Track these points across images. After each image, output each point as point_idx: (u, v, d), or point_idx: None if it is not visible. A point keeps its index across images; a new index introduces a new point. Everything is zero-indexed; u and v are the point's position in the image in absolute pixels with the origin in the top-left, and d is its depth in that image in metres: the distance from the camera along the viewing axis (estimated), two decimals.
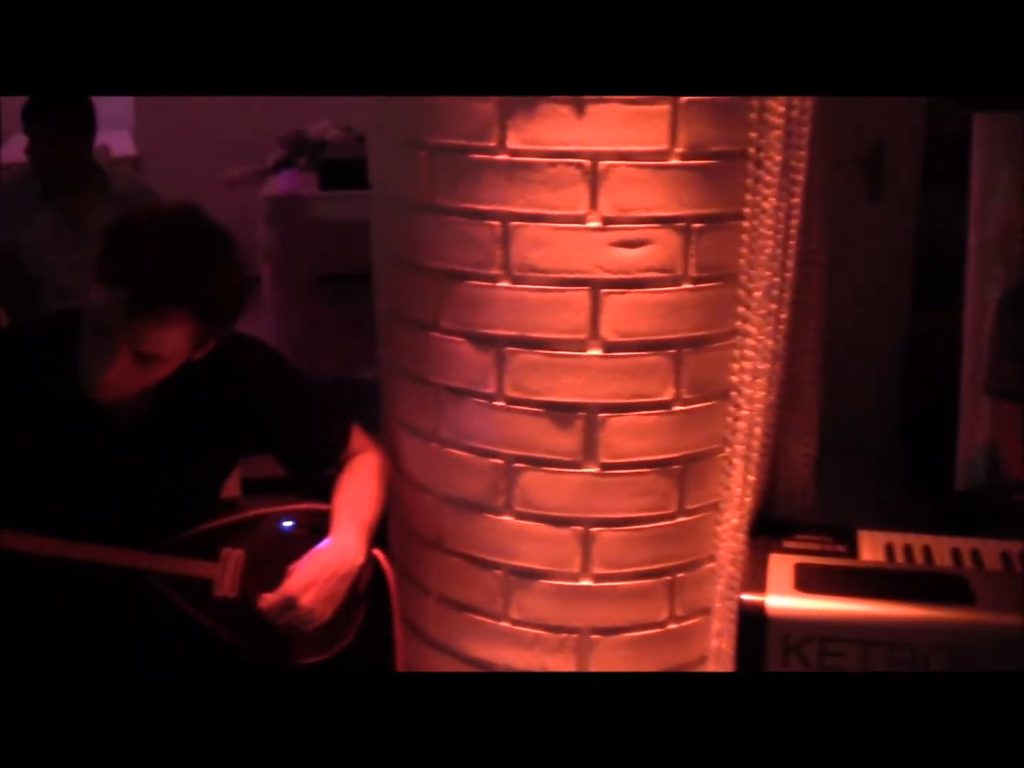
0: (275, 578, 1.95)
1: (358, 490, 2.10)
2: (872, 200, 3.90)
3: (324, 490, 2.18)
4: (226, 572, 2.01)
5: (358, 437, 2.19)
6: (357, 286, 5.59)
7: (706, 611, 2.22)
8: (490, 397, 2.06)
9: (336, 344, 4.57)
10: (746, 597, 1.96)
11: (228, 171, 5.35)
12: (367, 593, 2.12)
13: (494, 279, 2.00)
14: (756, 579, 2.01)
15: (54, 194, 3.73)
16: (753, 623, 1.93)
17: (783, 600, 1.95)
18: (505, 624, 2.19)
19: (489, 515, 2.14)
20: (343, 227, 4.99)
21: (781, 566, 2.05)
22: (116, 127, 5.55)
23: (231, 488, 2.29)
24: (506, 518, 2.12)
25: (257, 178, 5.33)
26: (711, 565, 2.20)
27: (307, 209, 4.70)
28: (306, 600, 1.90)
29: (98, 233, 3.52)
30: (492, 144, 1.94)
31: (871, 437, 3.86)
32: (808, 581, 2.00)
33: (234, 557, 2.02)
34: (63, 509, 1.95)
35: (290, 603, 1.91)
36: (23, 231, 3.70)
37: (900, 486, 3.67)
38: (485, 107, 1.93)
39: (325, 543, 1.99)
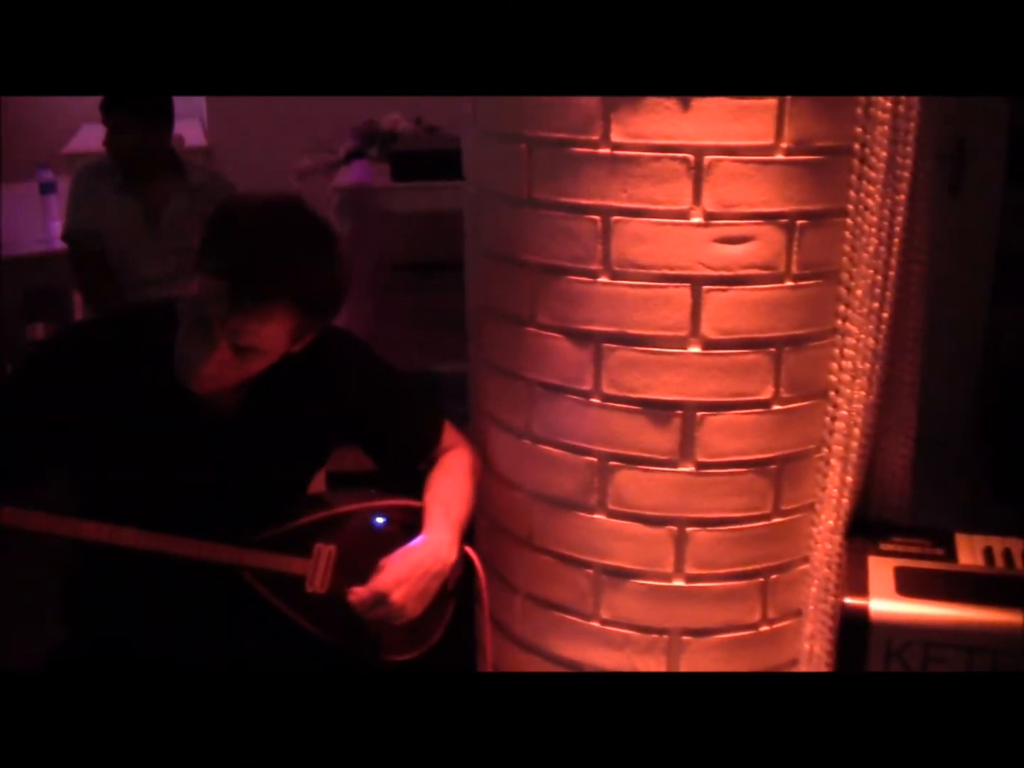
0: (366, 574, 1.94)
1: (450, 487, 2.08)
2: (953, 196, 3.84)
3: (408, 486, 2.16)
4: (318, 568, 2.00)
5: (450, 433, 2.18)
6: (428, 278, 5.63)
7: (798, 613, 2.19)
8: (586, 394, 2.04)
9: (408, 336, 4.56)
10: (849, 600, 1.92)
11: (299, 161, 5.35)
12: (456, 591, 2.10)
13: (594, 274, 1.97)
14: (856, 582, 1.97)
15: (133, 183, 3.75)
16: (855, 627, 1.90)
17: (886, 604, 1.91)
18: (595, 624, 2.17)
19: (581, 513, 2.11)
20: (414, 218, 4.99)
21: (881, 569, 2.01)
22: (187, 117, 5.58)
23: (317, 483, 2.27)
24: (599, 516, 2.10)
25: (328, 169, 5.32)
26: (804, 567, 2.16)
27: (378, 200, 4.69)
28: (397, 597, 1.89)
29: (175, 224, 3.57)
30: (595, 138, 1.92)
31: (949, 436, 3.80)
32: (910, 585, 1.96)
33: (326, 553, 2.01)
34: (156, 502, 1.94)
35: (381, 599, 1.89)
36: (103, 218, 3.73)
37: (980, 487, 3.61)
38: (589, 101, 1.90)
39: (418, 540, 1.97)
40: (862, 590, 1.94)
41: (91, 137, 6.59)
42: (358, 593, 1.91)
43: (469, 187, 2.25)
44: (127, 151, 3.68)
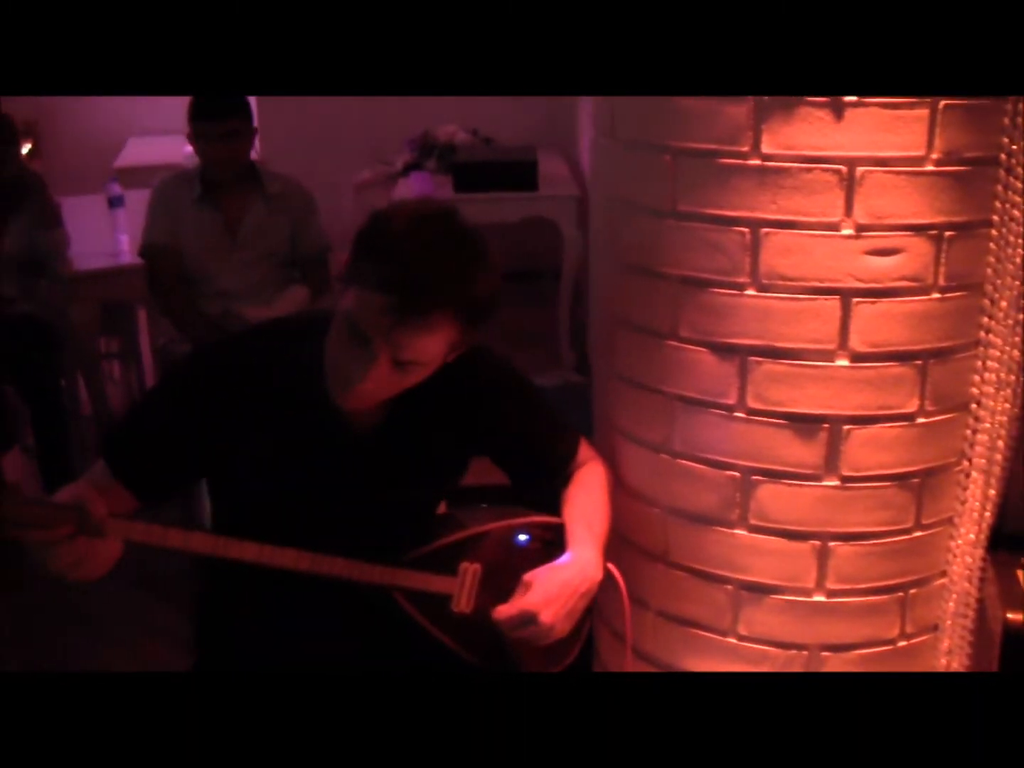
0: (509, 592, 1.91)
1: (590, 503, 2.06)
2: None
3: (531, 500, 2.14)
4: (464, 587, 1.98)
5: (583, 447, 2.15)
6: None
7: (935, 628, 2.17)
8: (730, 408, 2.01)
9: None
10: (1011, 616, 1.89)
11: (359, 174, 5.35)
12: (594, 606, 2.08)
13: (740, 287, 1.95)
14: (1011, 597, 1.95)
15: (211, 196, 3.75)
16: (1018, 642, 1.87)
17: None
18: (731, 640, 2.14)
19: (721, 528, 2.09)
20: (479, 229, 4.96)
21: None
22: None
23: None
24: (739, 531, 2.07)
25: (386, 181, 5.33)
26: (942, 581, 2.14)
27: None
28: (546, 617, 1.85)
29: (253, 234, 3.56)
30: (744, 149, 1.89)
31: None
32: None
33: (471, 571, 1.98)
34: (297, 517, 1.93)
35: (529, 618, 1.86)
36: (182, 233, 3.72)
37: None
38: (739, 110, 1.88)
39: (565, 558, 1.94)
40: (1021, 604, 1.91)
41: (139, 151, 6.64)
42: (505, 611, 1.88)
43: (600, 198, 2.22)
44: (215, 161, 3.68)
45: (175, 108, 6.86)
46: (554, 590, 1.88)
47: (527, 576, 1.91)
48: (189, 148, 5.05)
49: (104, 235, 4.52)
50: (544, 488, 2.13)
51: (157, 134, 7.07)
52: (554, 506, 2.10)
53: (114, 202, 4.44)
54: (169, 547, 1.78)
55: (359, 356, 1.77)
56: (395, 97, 5.95)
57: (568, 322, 5.14)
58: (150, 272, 3.85)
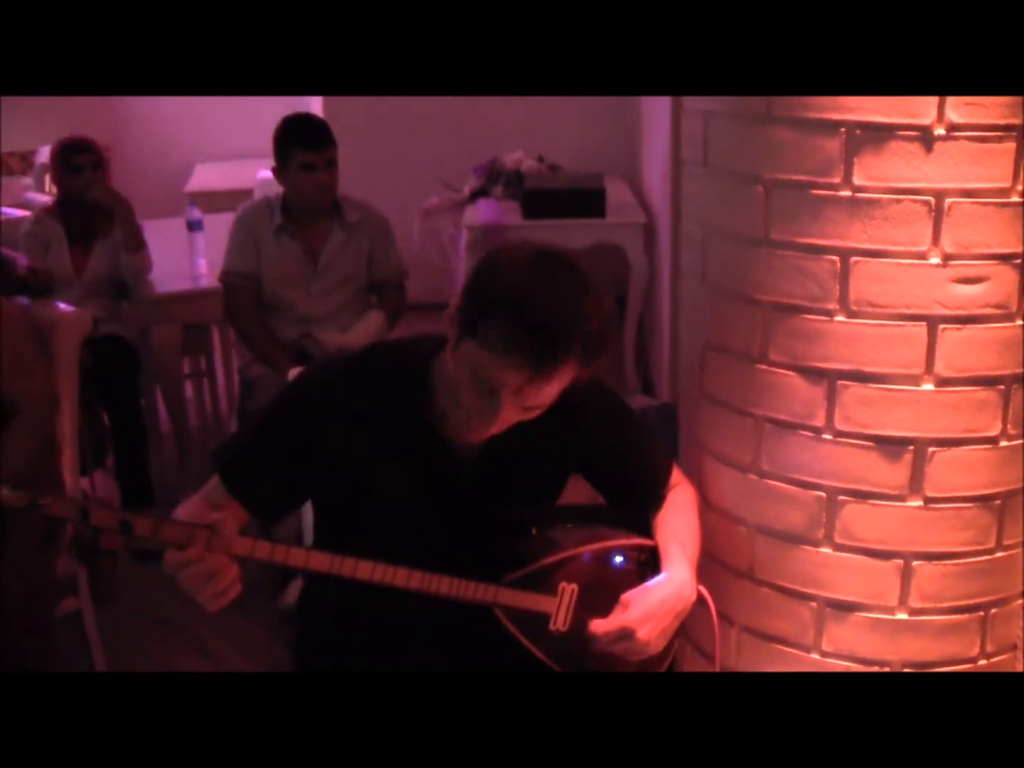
0: (603, 611, 1.98)
1: (682, 524, 2.12)
2: None
3: (620, 520, 2.20)
4: (562, 606, 2.04)
5: (674, 470, 2.22)
6: None
7: (1014, 647, 2.21)
8: (818, 430, 2.08)
9: None
10: None
11: (427, 200, 5.44)
12: (682, 627, 2.14)
13: (830, 313, 2.02)
14: None
15: (293, 224, 3.83)
16: None
17: None
18: (814, 656, 2.20)
19: (807, 547, 2.15)
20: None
21: None
22: None
23: None
24: (825, 550, 2.14)
25: (453, 207, 5.42)
26: (1021, 601, 2.19)
27: (510, 238, 4.74)
28: (643, 634, 1.92)
29: (332, 262, 3.64)
30: (836, 180, 1.97)
31: None
32: None
33: (569, 591, 2.04)
34: (403, 537, 2.01)
35: (627, 634, 1.92)
36: (263, 260, 3.81)
37: None
38: (831, 143, 1.95)
39: (661, 578, 2.01)
40: None
41: (209, 176, 6.78)
42: (603, 626, 1.95)
43: (692, 225, 2.30)
44: (312, 189, 3.77)
45: (240, 135, 7.07)
46: (651, 608, 1.95)
47: (625, 596, 1.98)
48: (262, 174, 5.21)
49: (181, 258, 4.63)
50: (639, 508, 2.19)
51: (222, 160, 7.23)
52: (639, 525, 2.16)
53: (193, 226, 4.55)
54: (290, 565, 1.87)
55: (485, 404, 1.83)
56: (463, 123, 6.07)
57: (633, 346, 5.21)
58: (227, 298, 3.94)
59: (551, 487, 2.15)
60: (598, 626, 1.95)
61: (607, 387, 2.14)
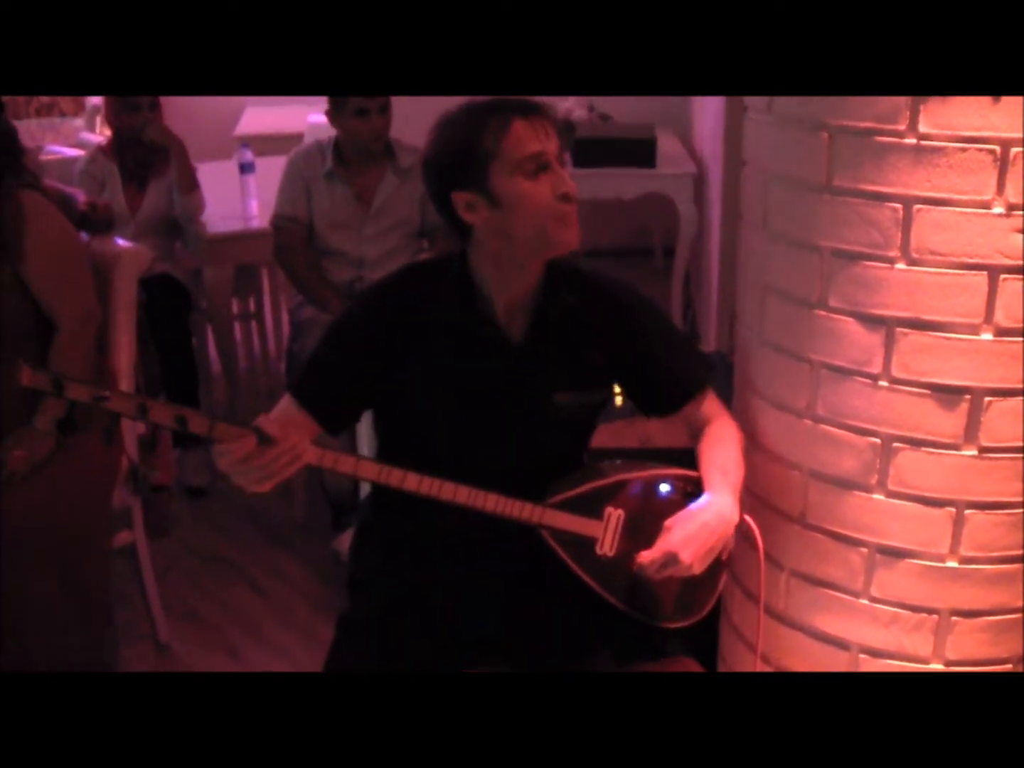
0: (650, 539, 2.03)
1: (725, 455, 2.17)
2: None
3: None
4: (608, 531, 2.09)
5: (713, 402, 2.26)
6: (612, 263, 5.68)
7: None
8: (875, 377, 2.09)
9: None
10: None
11: None
12: (729, 561, 2.17)
13: (891, 261, 2.03)
14: None
15: (345, 168, 3.85)
16: None
17: None
18: (863, 601, 2.22)
19: (859, 493, 2.17)
20: (595, 204, 5.07)
21: None
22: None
23: None
24: (877, 496, 2.15)
25: None
26: None
27: None
28: (686, 556, 1.97)
29: (386, 206, 3.69)
30: (901, 128, 1.97)
31: None
32: None
33: (616, 516, 2.10)
34: (461, 436, 2.13)
35: (672, 558, 1.98)
36: (315, 204, 3.84)
37: None
38: None
39: (702, 500, 2.07)
40: None
41: (258, 120, 6.78)
42: (648, 555, 2.01)
43: (752, 170, 2.31)
44: (366, 134, 3.79)
45: None
46: (693, 530, 2.01)
47: (667, 522, 2.03)
48: (313, 118, 5.22)
49: (232, 199, 4.66)
50: (670, 411, 2.27)
51: (272, 104, 7.22)
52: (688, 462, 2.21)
53: (245, 168, 4.57)
54: (339, 470, 1.98)
55: (550, 185, 1.99)
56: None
57: (681, 296, 5.22)
58: (278, 241, 3.96)
59: (597, 376, 2.20)
60: (644, 557, 2.01)
61: (645, 298, 2.25)
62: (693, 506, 2.06)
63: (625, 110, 5.84)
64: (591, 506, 2.11)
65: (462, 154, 1.99)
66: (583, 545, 2.10)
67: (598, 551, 2.10)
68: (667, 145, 5.31)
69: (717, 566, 2.11)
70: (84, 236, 3.11)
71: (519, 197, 1.98)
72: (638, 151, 4.97)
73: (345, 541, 3.42)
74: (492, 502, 2.03)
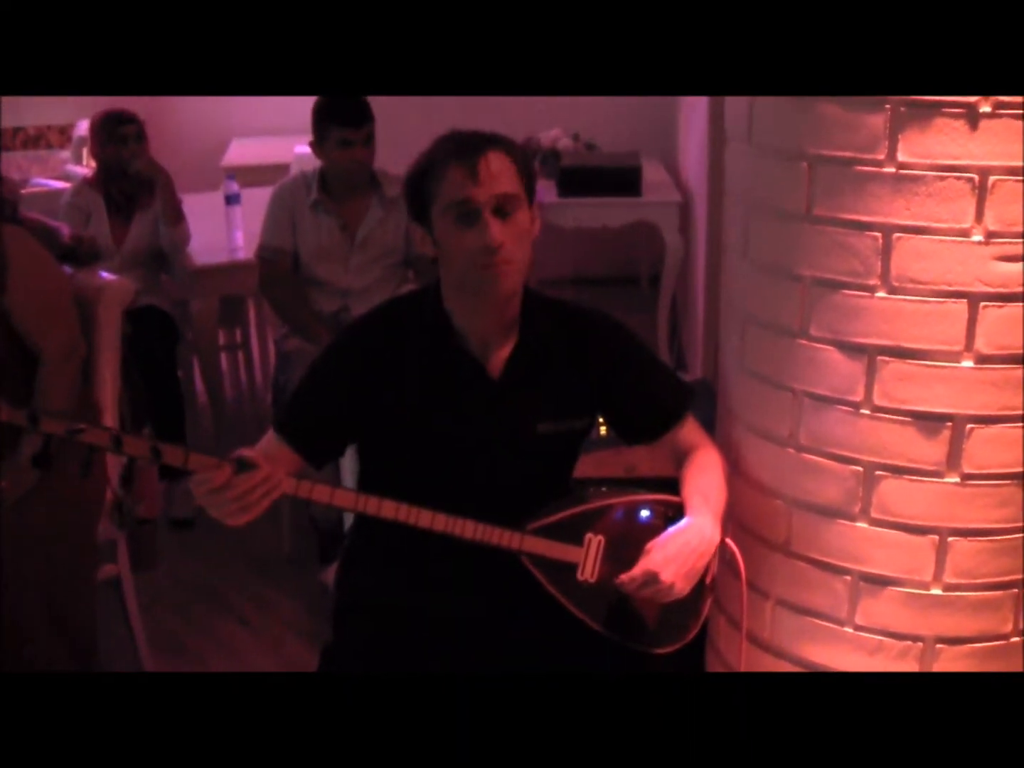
0: (630, 565, 2.03)
1: (706, 480, 2.18)
2: None
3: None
4: (588, 557, 2.10)
5: (696, 430, 2.27)
6: (596, 292, 5.69)
7: None
8: (857, 405, 2.10)
9: None
10: None
11: None
12: (713, 586, 2.17)
13: (871, 289, 2.04)
14: None
15: (330, 199, 3.85)
16: None
17: None
18: (848, 630, 2.22)
19: (843, 521, 2.17)
20: (580, 233, 5.08)
21: None
22: None
23: None
24: (861, 524, 2.16)
25: None
26: None
27: (546, 215, 4.77)
28: (667, 576, 1.98)
29: (370, 237, 3.69)
30: (880, 157, 1.98)
31: None
32: None
33: (596, 542, 2.11)
34: (442, 468, 2.14)
35: (652, 578, 1.98)
36: (300, 235, 3.84)
37: None
38: (876, 120, 1.96)
39: (683, 522, 2.08)
40: None
41: (245, 151, 6.81)
42: (629, 574, 2.01)
43: (733, 200, 2.32)
44: (349, 165, 3.79)
45: (275, 111, 7.07)
46: (673, 550, 2.01)
47: (648, 544, 2.04)
48: (299, 149, 5.24)
49: (218, 231, 4.66)
50: (650, 440, 2.28)
51: (258, 135, 7.26)
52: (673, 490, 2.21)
53: (231, 199, 4.58)
54: (315, 500, 1.99)
55: (478, 235, 1.98)
56: (499, 102, 6.07)
57: (667, 324, 5.23)
58: (263, 272, 3.96)
59: (578, 406, 2.21)
60: (624, 575, 2.01)
61: (628, 329, 2.25)
62: (673, 528, 2.07)
63: (610, 138, 5.86)
64: (572, 532, 2.12)
65: (414, 190, 2.06)
66: (564, 571, 2.10)
67: (579, 577, 2.11)
68: (653, 173, 5.33)
69: (701, 590, 2.11)
70: (68, 269, 3.11)
71: (445, 242, 2.03)
72: (624, 179, 4.98)
73: (332, 573, 3.42)
74: (471, 529, 2.04)
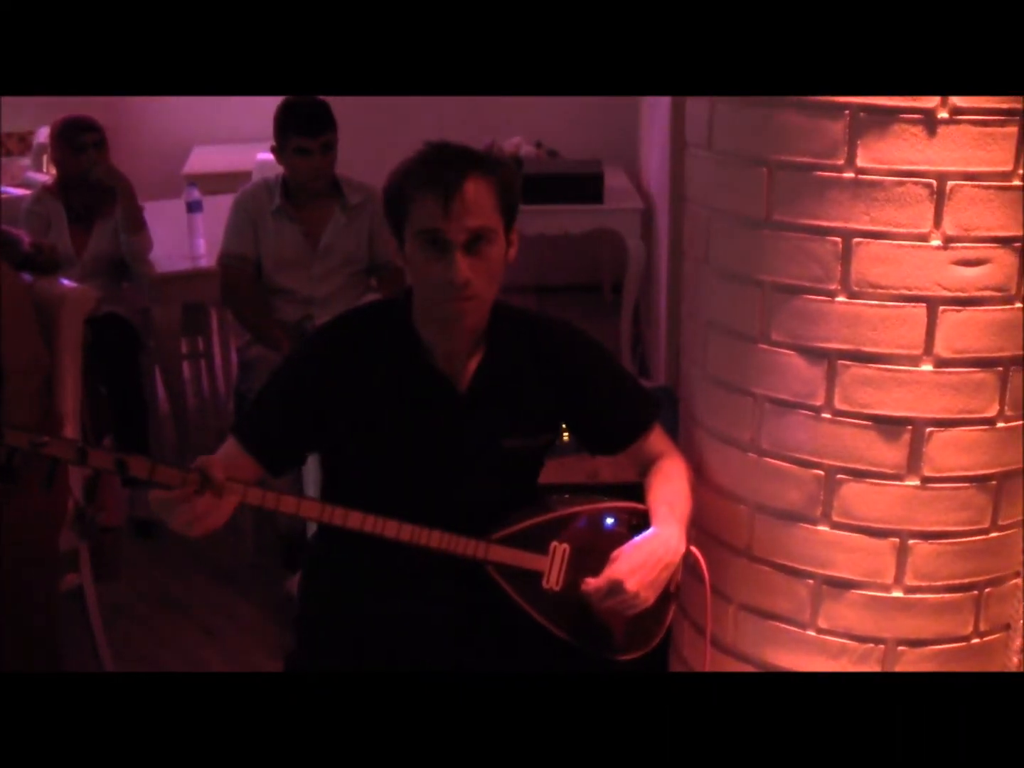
0: (595, 573, 2.04)
1: (672, 488, 2.18)
2: None
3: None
4: (553, 565, 2.10)
5: (661, 438, 2.27)
6: (557, 299, 5.69)
7: (1007, 627, 2.25)
8: (817, 409, 2.11)
9: None
10: None
11: None
12: (677, 593, 2.18)
13: (831, 294, 2.05)
14: None
15: (292, 207, 3.84)
16: None
17: None
18: (811, 633, 2.23)
19: (805, 525, 2.19)
20: (543, 241, 5.09)
21: None
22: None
23: None
24: (822, 528, 2.17)
25: None
26: (1016, 581, 2.22)
27: None
28: (632, 585, 1.98)
29: (333, 244, 3.68)
30: (839, 162, 1.99)
31: None
32: None
33: (561, 551, 2.11)
34: (406, 479, 2.12)
35: (616, 587, 1.98)
36: (263, 243, 3.82)
37: None
38: (835, 126, 1.98)
39: (649, 532, 2.08)
40: None
41: (206, 159, 6.78)
42: (593, 583, 2.02)
43: (694, 206, 2.33)
44: (309, 172, 3.78)
45: (237, 118, 7.04)
46: (639, 560, 2.02)
47: (614, 552, 2.04)
48: (261, 156, 5.22)
49: (180, 239, 4.65)
50: (617, 450, 2.28)
51: (220, 143, 7.23)
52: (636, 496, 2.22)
53: (193, 207, 4.56)
54: (281, 511, 1.97)
55: (445, 268, 1.94)
56: (462, 109, 6.08)
57: (629, 331, 5.24)
58: (225, 280, 3.94)
59: (544, 419, 2.21)
60: (589, 584, 2.02)
61: (591, 338, 2.25)
62: (639, 537, 2.07)
63: (572, 146, 5.88)
64: (537, 541, 2.12)
65: (390, 204, 2.02)
66: (529, 579, 2.11)
67: (544, 585, 2.11)
68: (615, 180, 5.35)
69: (665, 598, 2.12)
70: (28, 277, 3.08)
71: (413, 266, 2.01)
72: (586, 187, 4.99)
73: (296, 582, 3.41)
74: (436, 539, 2.03)
